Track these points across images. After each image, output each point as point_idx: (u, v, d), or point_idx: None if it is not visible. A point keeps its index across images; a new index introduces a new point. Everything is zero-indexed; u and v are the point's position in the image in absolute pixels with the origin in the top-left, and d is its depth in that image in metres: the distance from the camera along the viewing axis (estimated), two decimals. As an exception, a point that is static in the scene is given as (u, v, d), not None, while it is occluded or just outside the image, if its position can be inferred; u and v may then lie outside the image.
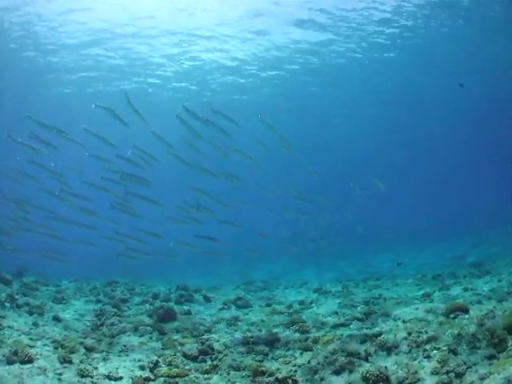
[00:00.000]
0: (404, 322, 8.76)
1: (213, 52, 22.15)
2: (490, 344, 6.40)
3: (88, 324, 10.03)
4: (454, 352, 6.45)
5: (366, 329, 8.79)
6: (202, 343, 8.70)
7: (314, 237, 15.51)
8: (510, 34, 20.18)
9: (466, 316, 8.13)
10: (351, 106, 30.62)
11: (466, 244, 22.48)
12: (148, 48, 21.53)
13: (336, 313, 10.80)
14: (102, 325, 9.90)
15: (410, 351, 6.85)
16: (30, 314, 10.13)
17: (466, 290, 11.25)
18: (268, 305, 12.81)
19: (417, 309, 9.84)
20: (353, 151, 41.37)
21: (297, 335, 8.99)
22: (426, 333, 7.28)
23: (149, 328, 9.67)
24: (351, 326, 9.22)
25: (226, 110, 10.65)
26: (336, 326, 9.36)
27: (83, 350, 7.92)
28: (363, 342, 7.83)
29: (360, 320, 9.51)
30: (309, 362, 6.87)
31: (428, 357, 6.53)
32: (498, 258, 15.49)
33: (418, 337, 7.12)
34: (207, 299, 13.60)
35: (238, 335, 9.44)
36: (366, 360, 6.85)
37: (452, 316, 8.26)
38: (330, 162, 38.51)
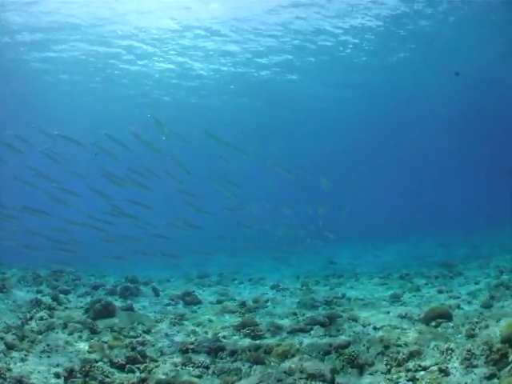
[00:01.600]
0: (375, 329, 7.34)
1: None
2: (490, 360, 5.03)
3: (21, 317, 8.54)
4: (446, 372, 5.02)
5: (330, 337, 7.30)
6: (133, 348, 7.14)
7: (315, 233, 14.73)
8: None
9: (451, 324, 6.77)
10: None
11: (430, 244, 21.86)
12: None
13: (294, 314, 9.35)
14: (31, 318, 8.47)
15: (388, 371, 5.33)
16: (-34, 302, 8.69)
17: (440, 292, 10.06)
18: (219, 301, 11.42)
19: (388, 313, 8.52)
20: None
21: (247, 342, 7.39)
22: (406, 345, 5.82)
23: (79, 325, 8.15)
24: (312, 333, 7.69)
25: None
26: (294, 332, 7.83)
27: (2, 347, 6.76)
28: (327, 353, 6.34)
29: (322, 325, 7.95)
30: (258, 386, 5.25)
31: (413, 380, 5.01)
32: (469, 260, 14.62)
33: (398, 352, 5.63)
34: (156, 293, 12.34)
35: (179, 338, 7.86)
36: (332, 383, 5.29)
37: (433, 324, 6.88)
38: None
